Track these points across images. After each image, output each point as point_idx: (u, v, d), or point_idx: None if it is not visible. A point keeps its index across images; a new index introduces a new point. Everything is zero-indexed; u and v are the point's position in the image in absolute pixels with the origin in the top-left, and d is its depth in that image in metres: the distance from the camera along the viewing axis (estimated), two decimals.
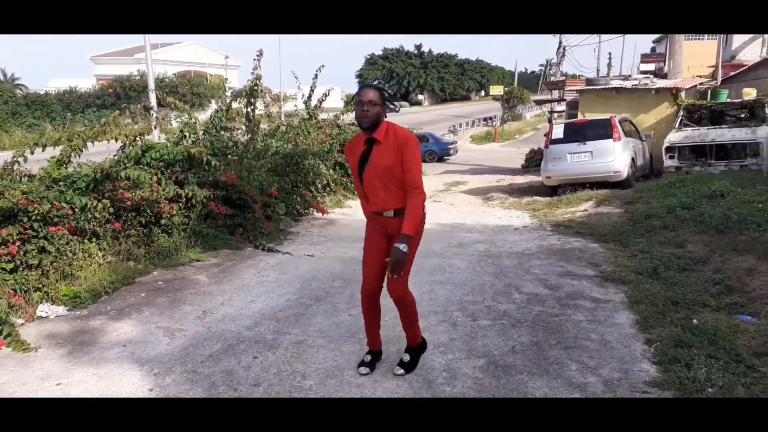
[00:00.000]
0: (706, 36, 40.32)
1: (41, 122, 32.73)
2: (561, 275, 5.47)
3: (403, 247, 3.07)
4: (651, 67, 35.35)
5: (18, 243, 4.84)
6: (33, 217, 4.95)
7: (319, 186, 10.11)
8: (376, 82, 75.71)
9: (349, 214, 9.62)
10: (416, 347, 3.52)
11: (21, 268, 4.87)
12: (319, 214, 9.22)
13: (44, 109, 35.06)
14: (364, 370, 3.45)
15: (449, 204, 11.27)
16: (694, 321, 4.07)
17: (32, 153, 5.17)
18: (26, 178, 5.43)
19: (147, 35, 19.15)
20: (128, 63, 44.44)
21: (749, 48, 35.47)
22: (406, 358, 3.49)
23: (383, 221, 3.31)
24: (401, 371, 3.42)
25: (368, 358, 3.52)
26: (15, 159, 5.18)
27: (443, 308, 4.56)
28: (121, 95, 38.03)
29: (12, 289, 4.62)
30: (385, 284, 3.33)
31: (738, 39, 36.32)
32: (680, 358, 3.47)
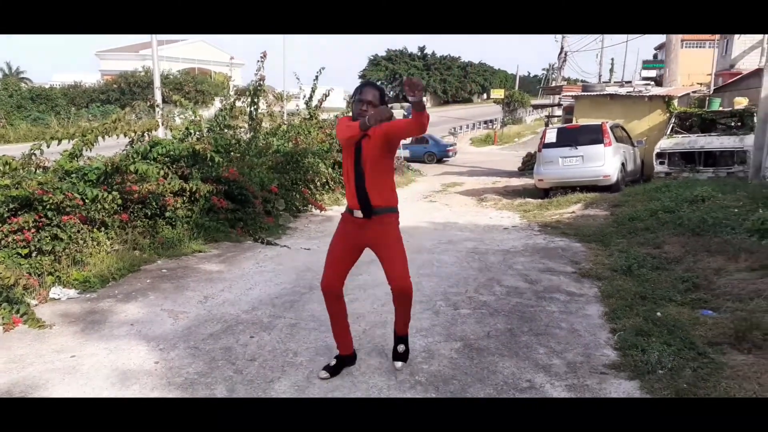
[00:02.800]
0: (707, 43, 40.68)
1: (46, 116, 33.10)
2: (541, 271, 5.81)
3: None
4: (652, 73, 35.67)
5: (33, 230, 5.18)
6: (47, 206, 5.29)
7: (318, 184, 10.46)
8: (379, 83, 75.95)
9: None
10: (407, 336, 3.59)
11: (35, 254, 5.22)
12: (317, 211, 9.57)
13: (49, 103, 35.43)
14: (324, 374, 3.42)
15: (444, 204, 11.62)
16: (658, 314, 4.41)
17: (48, 146, 5.52)
18: (41, 170, 5.77)
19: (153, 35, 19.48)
20: (133, 59, 44.83)
21: (749, 57, 35.81)
22: (402, 348, 3.56)
23: (361, 223, 3.29)
24: (400, 364, 3.53)
25: (334, 362, 3.50)
26: (32, 151, 5.52)
27: (428, 298, 4.90)
28: (126, 91, 38.46)
29: (27, 273, 4.97)
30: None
31: (738, 47, 36.68)
32: (638, 345, 3.80)
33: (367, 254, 3.56)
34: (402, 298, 3.40)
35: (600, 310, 4.63)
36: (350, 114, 3.46)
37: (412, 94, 2.80)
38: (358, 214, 3.29)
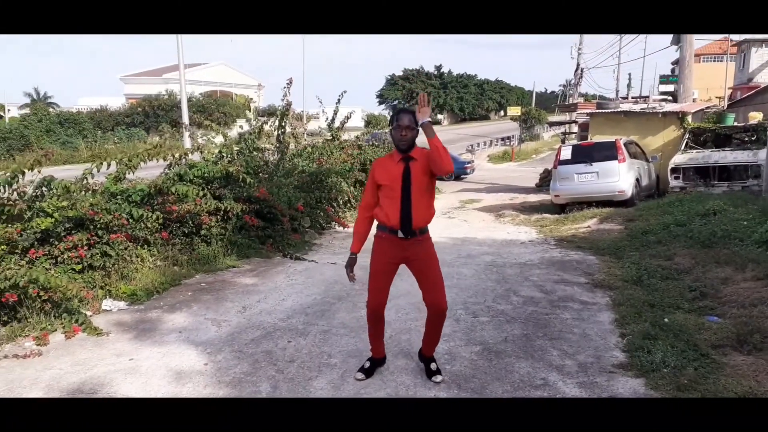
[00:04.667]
0: (723, 57, 40.76)
1: (75, 140, 34.15)
2: (556, 282, 6.14)
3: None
4: (670, 88, 35.85)
5: (86, 247, 5.66)
6: (98, 226, 5.77)
7: (341, 202, 10.90)
8: (396, 102, 76.78)
9: None
10: (433, 356, 3.88)
11: (87, 269, 5.69)
12: (341, 228, 9.98)
13: (76, 126, 36.39)
14: (360, 375, 3.79)
15: (463, 220, 11.97)
16: (666, 319, 4.72)
17: (98, 170, 6.03)
18: (90, 192, 6.26)
19: (181, 55, 20.21)
20: (157, 83, 46.14)
21: (766, 70, 35.83)
22: (434, 366, 3.83)
23: (404, 245, 3.55)
24: (440, 377, 3.76)
25: (368, 364, 3.86)
26: (84, 175, 6.03)
27: (449, 308, 5.23)
28: (150, 114, 39.58)
29: (82, 286, 5.43)
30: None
31: (756, 60, 36.74)
32: (645, 347, 4.13)
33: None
34: (437, 317, 3.69)
35: (611, 317, 4.95)
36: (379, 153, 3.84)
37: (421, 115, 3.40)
38: (401, 234, 3.55)
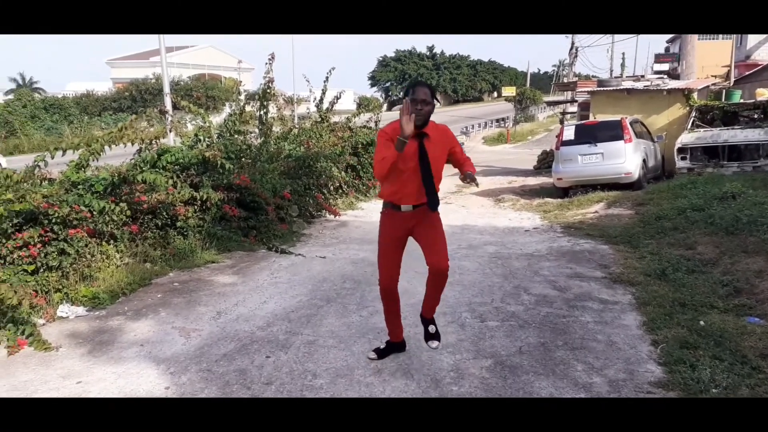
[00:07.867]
0: (720, 35, 40.00)
1: (59, 125, 33.18)
2: (570, 277, 5.52)
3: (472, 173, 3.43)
4: (665, 67, 35.08)
5: (39, 245, 4.98)
6: (53, 220, 5.09)
7: (332, 188, 10.22)
8: (388, 84, 75.74)
9: (361, 216, 9.72)
10: (433, 318, 3.68)
11: (42, 270, 5.02)
12: (332, 216, 9.33)
13: (62, 112, 35.49)
14: (372, 354, 3.69)
15: (460, 206, 11.32)
16: (701, 322, 4.11)
17: (53, 157, 5.32)
18: (47, 182, 5.57)
19: (162, 38, 19.32)
20: (144, 66, 44.99)
21: (764, 47, 35.16)
22: (433, 328, 3.64)
23: (409, 216, 3.41)
24: (437, 343, 3.61)
25: (383, 345, 3.75)
26: (36, 163, 5.33)
27: (452, 309, 4.63)
28: (137, 98, 38.57)
29: (33, 290, 4.76)
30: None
31: (753, 39, 36.01)
32: (685, 359, 3.52)
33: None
34: (439, 278, 3.47)
35: (637, 320, 4.34)
36: (386, 125, 3.63)
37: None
38: (408, 208, 3.40)
